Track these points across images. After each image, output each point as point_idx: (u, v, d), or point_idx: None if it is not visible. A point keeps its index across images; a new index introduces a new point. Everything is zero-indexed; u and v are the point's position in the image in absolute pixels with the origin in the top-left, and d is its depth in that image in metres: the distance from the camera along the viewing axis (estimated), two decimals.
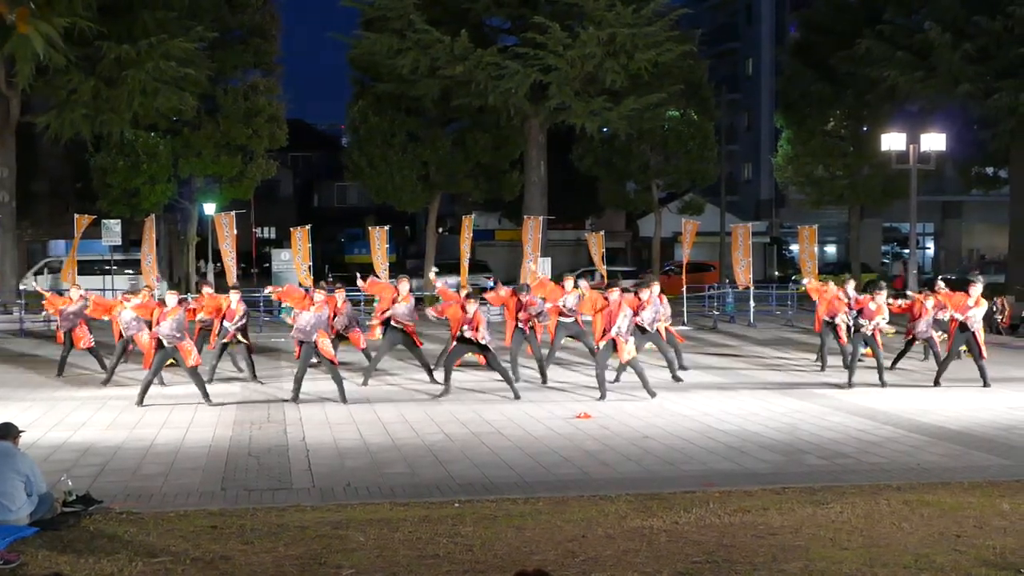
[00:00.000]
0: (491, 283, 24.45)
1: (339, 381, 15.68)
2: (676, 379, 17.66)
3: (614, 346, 15.65)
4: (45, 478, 9.04)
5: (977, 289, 17.34)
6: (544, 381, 17.44)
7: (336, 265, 59.19)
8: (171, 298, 16.43)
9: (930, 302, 18.27)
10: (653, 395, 15.74)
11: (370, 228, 29.27)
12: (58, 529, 8.54)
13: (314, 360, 15.65)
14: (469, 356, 17.13)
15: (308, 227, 28.56)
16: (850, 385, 16.89)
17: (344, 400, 15.38)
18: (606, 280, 31.07)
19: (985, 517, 8.93)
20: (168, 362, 15.69)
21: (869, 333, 17.17)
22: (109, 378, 17.36)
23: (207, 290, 18.17)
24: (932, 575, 7.44)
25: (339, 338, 18.06)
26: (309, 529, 8.55)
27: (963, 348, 17.81)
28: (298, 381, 15.66)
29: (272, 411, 14.78)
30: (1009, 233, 37.18)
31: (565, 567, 7.56)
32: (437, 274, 20.57)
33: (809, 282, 20.31)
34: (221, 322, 17.39)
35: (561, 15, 31.74)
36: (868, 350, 17.66)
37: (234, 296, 17.70)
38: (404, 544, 8.14)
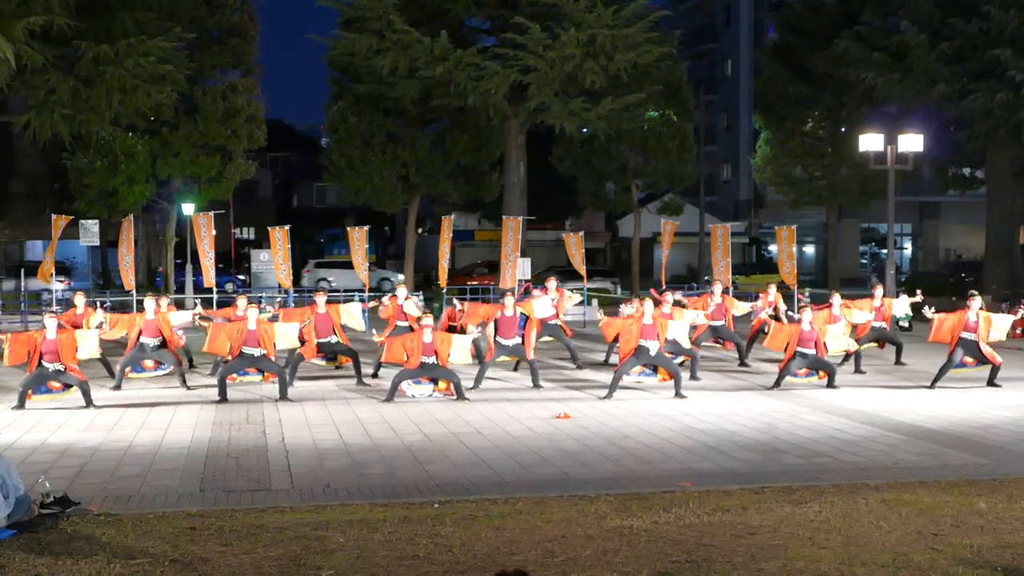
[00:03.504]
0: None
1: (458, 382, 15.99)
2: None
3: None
4: (23, 480, 8.99)
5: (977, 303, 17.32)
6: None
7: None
8: (150, 303, 16.90)
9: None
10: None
11: (349, 229, 29.24)
12: (35, 531, 8.49)
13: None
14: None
15: (287, 227, 28.51)
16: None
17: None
18: (586, 279, 31.15)
19: (962, 516, 8.99)
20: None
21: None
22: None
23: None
24: (910, 574, 7.48)
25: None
26: (288, 530, 8.53)
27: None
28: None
29: (251, 412, 14.74)
30: (986, 234, 37.46)
31: (545, 567, 7.57)
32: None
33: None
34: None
35: (541, 16, 31.74)
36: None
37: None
38: (384, 545, 8.13)
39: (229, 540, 8.25)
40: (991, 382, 17.12)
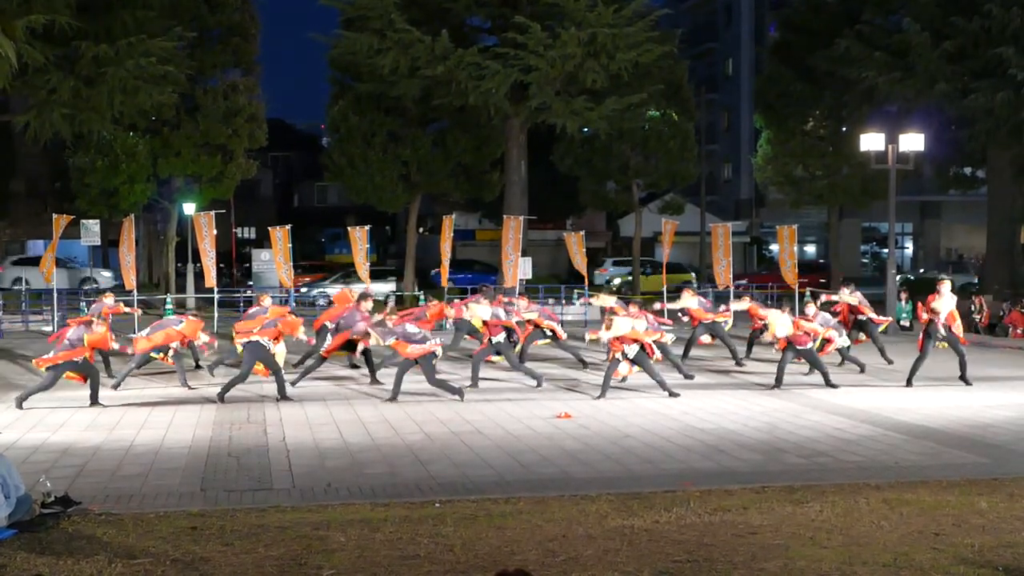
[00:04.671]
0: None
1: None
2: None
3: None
4: (24, 479, 8.99)
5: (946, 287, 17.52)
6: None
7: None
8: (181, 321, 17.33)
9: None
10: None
11: (350, 228, 29.23)
12: (37, 531, 8.49)
13: None
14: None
15: (288, 227, 28.50)
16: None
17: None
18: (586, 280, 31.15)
19: (963, 515, 8.99)
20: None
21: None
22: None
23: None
24: (911, 573, 7.47)
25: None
26: (289, 530, 8.52)
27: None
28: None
29: (252, 411, 14.75)
30: (987, 233, 37.43)
31: (546, 567, 7.57)
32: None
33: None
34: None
35: (542, 15, 31.73)
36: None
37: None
38: (385, 544, 8.13)
39: (230, 540, 8.25)
40: (963, 378, 17.36)
